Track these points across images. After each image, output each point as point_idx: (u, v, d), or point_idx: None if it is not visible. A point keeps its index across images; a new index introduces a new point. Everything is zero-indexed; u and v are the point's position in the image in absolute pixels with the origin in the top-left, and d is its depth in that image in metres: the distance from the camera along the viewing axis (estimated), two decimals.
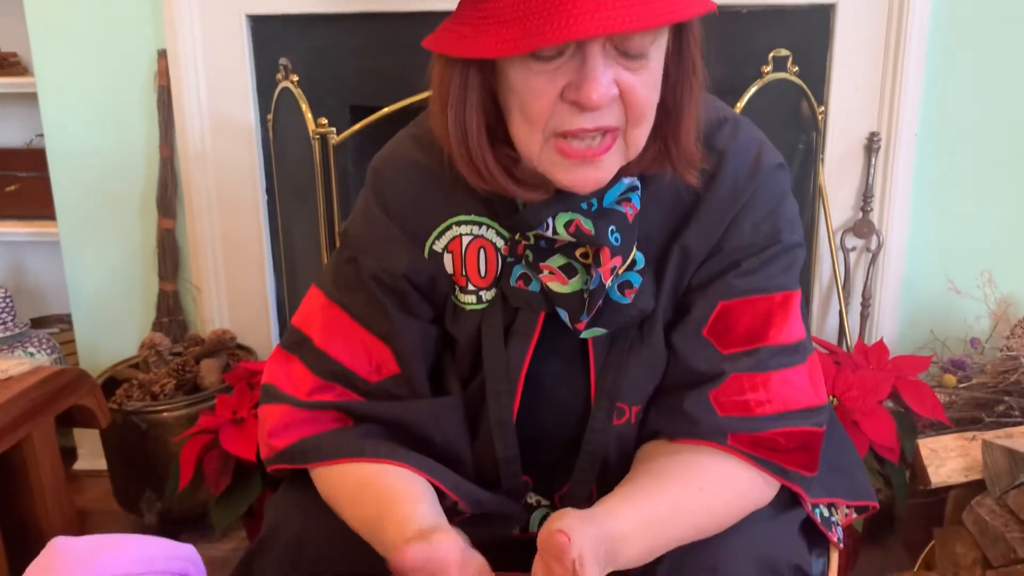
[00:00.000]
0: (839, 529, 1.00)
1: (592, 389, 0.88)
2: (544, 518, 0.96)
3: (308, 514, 0.90)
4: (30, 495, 1.46)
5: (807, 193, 1.83)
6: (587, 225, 0.81)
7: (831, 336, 1.91)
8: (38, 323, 2.31)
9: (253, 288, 2.00)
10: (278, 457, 0.90)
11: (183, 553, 0.50)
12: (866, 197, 1.81)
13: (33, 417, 1.40)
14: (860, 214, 1.83)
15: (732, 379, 0.85)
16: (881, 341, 1.72)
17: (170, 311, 2.10)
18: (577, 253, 0.84)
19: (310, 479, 0.91)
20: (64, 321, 2.31)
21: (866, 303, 1.92)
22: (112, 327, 2.12)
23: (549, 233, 0.83)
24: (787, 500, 0.91)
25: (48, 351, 2.06)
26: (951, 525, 1.52)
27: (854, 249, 1.88)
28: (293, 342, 0.95)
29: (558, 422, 0.90)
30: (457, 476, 0.87)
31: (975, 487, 1.47)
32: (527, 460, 0.90)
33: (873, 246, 1.85)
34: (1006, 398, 1.64)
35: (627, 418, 0.89)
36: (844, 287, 1.91)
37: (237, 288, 2.01)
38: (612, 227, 0.82)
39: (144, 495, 1.88)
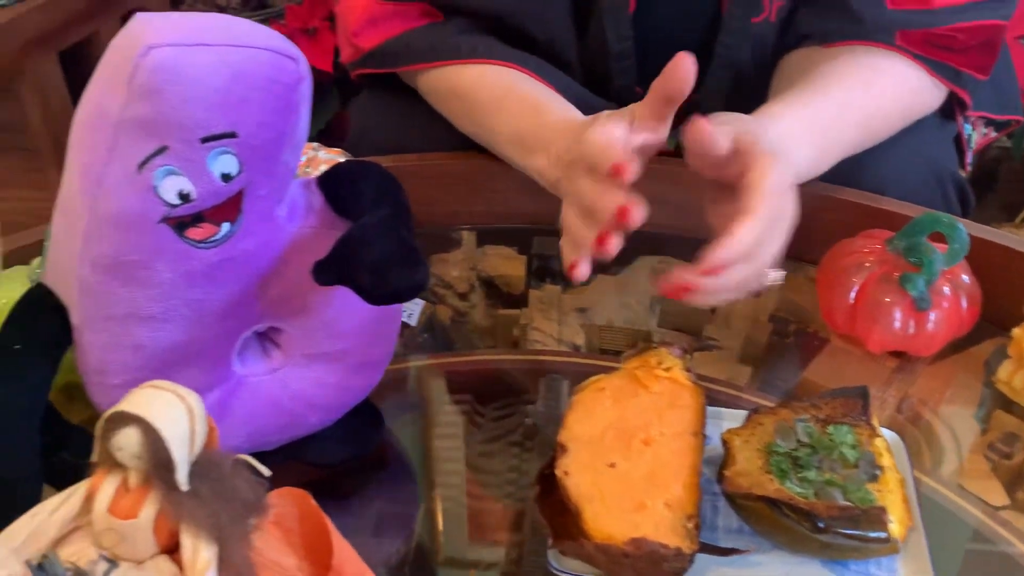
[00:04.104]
0: (971, 154, 0.92)
1: None
2: None
3: (397, 118, 0.83)
4: None
5: None
6: None
7: None
8: None
9: None
10: (366, 59, 0.81)
11: (283, 37, 0.43)
12: None
13: (97, 13, 1.32)
14: None
15: None
16: None
17: None
18: None
19: (397, 80, 0.83)
20: None
21: None
22: None
23: None
24: (942, 112, 0.81)
25: None
26: None
27: None
28: None
29: (682, 17, 0.78)
30: (566, 76, 0.78)
31: None
32: (643, 68, 0.79)
33: None
34: None
35: (766, 15, 0.76)
36: None
37: None
38: None
39: None
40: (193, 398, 0.32)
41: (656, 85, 0.59)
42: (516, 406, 0.62)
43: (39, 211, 0.57)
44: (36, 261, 0.59)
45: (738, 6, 0.74)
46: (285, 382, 0.51)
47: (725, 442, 0.50)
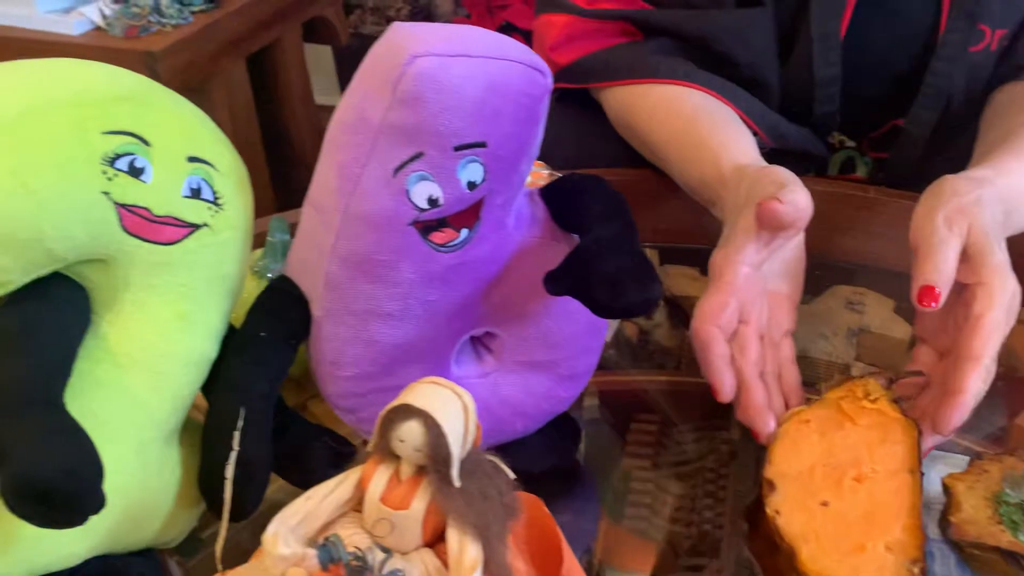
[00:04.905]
0: None
1: (946, 2, 0.72)
2: (846, 161, 0.85)
3: (584, 132, 0.84)
4: (280, 104, 1.49)
5: None
6: None
7: None
8: None
9: None
10: (562, 74, 0.82)
11: (531, 51, 0.44)
12: None
13: (282, 20, 1.39)
14: None
15: None
16: None
17: None
18: None
19: (586, 98, 0.83)
20: None
21: None
22: None
23: None
24: None
25: None
26: None
27: None
28: None
29: (895, 43, 0.76)
30: (762, 105, 0.76)
31: None
32: (847, 94, 0.77)
33: None
34: None
35: (986, 43, 0.73)
36: None
37: None
38: None
39: None
40: (468, 396, 0.33)
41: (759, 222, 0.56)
42: (707, 430, 0.61)
43: None
44: (258, 252, 0.63)
45: (956, 33, 0.72)
46: (496, 387, 0.52)
47: (947, 487, 0.48)
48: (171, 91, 0.44)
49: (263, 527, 0.33)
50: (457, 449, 0.31)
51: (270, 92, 1.47)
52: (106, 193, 0.38)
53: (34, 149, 0.35)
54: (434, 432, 0.31)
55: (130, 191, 0.38)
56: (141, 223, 0.39)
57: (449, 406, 0.32)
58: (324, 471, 0.49)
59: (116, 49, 1.17)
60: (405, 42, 0.41)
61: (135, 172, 0.38)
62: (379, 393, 0.49)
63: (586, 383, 0.55)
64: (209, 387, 0.46)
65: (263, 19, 1.34)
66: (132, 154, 0.38)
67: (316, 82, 2.19)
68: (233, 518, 0.45)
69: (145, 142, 0.39)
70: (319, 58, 2.10)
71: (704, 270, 0.76)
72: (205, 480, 0.45)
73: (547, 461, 0.55)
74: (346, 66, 1.88)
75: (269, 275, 0.60)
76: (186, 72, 1.20)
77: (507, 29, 1.50)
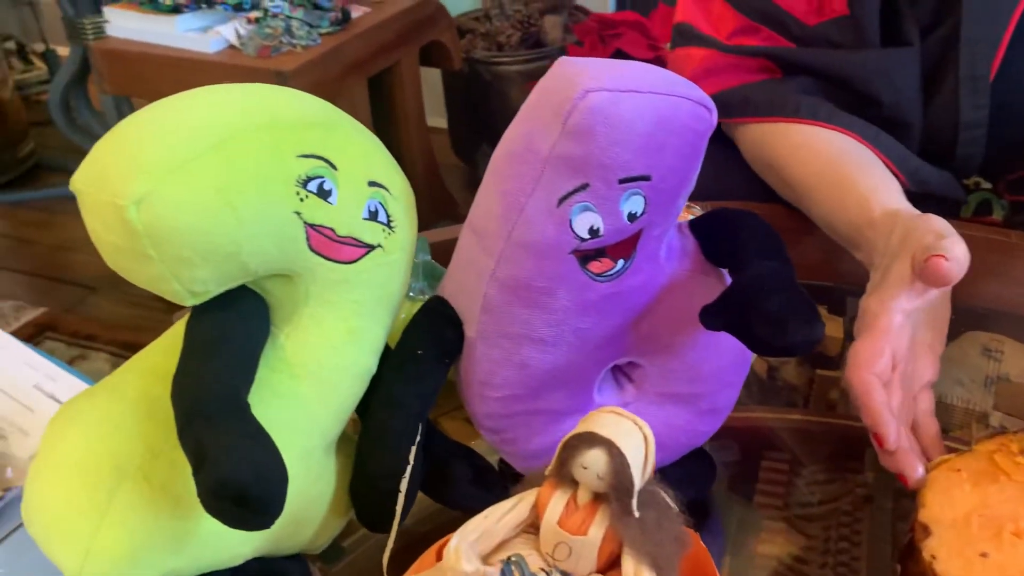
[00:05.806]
0: None
1: None
2: (982, 203, 0.84)
3: (717, 170, 0.84)
4: (395, 125, 1.53)
5: None
6: None
7: None
8: None
9: None
10: None
11: (698, 87, 0.44)
12: None
13: (403, 43, 1.44)
14: None
15: None
16: None
17: None
18: None
19: (717, 131, 0.83)
20: None
21: None
22: None
23: None
24: None
25: None
26: None
27: None
28: None
29: None
30: (904, 149, 0.75)
31: None
32: (990, 131, 0.75)
33: None
34: None
35: None
36: None
37: None
38: None
39: (480, 148, 1.95)
40: (647, 428, 0.33)
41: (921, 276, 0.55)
42: (839, 472, 0.60)
43: None
44: None
45: None
46: None
47: None
48: (352, 118, 0.46)
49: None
50: (638, 479, 0.32)
51: (387, 113, 1.51)
52: (298, 213, 0.40)
53: (238, 169, 0.38)
54: (618, 461, 0.32)
55: (318, 212, 0.40)
56: (325, 242, 0.41)
57: (631, 437, 0.32)
58: (465, 488, 0.50)
59: (249, 67, 1.23)
60: (576, 76, 0.43)
61: (323, 194, 0.40)
62: (524, 415, 0.50)
63: (725, 418, 0.55)
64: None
65: (385, 42, 1.38)
66: (321, 177, 0.40)
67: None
68: (381, 529, 0.47)
69: (332, 166, 0.41)
70: (427, 81, 2.15)
71: (832, 308, 0.76)
72: (357, 490, 0.47)
73: (684, 494, 0.54)
74: (453, 89, 1.92)
75: (410, 294, 0.62)
76: (313, 91, 1.22)
77: (619, 58, 1.51)
